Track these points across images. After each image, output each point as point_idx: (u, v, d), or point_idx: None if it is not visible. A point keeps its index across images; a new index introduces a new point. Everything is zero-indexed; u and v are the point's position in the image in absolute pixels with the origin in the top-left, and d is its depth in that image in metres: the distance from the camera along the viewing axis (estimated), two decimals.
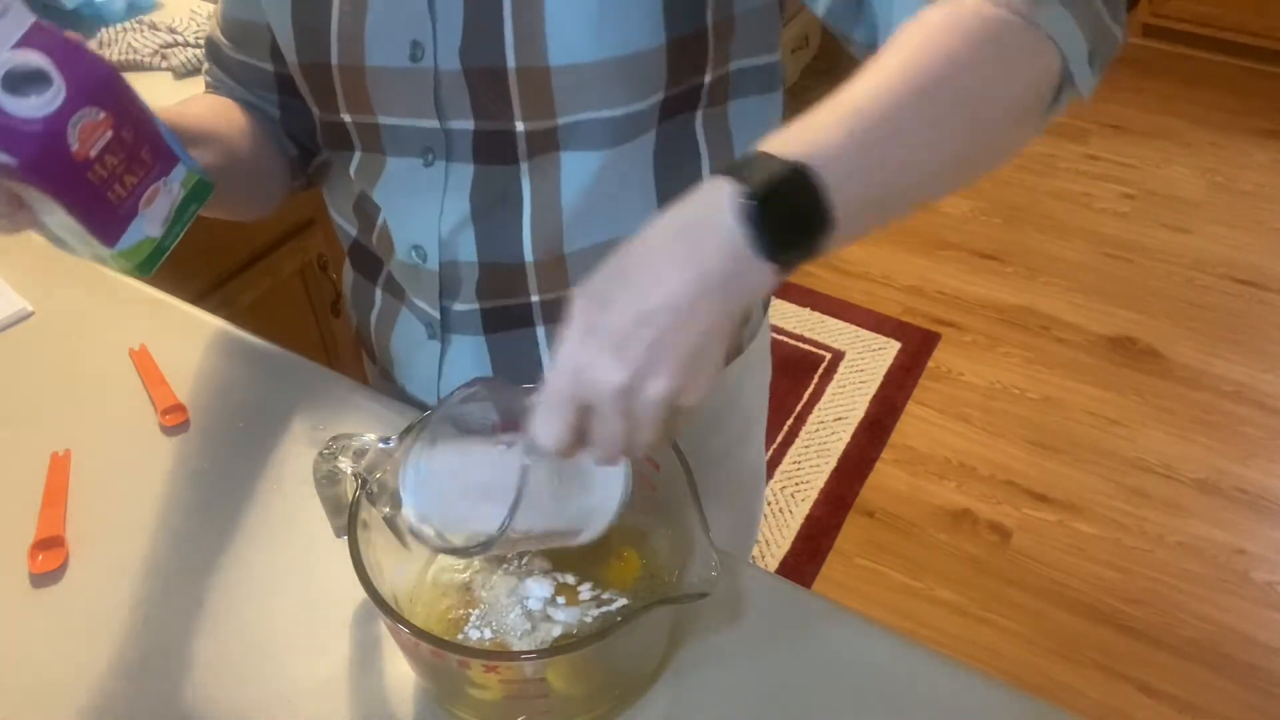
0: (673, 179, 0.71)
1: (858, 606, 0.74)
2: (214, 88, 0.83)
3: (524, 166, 0.69)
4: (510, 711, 0.57)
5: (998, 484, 1.98)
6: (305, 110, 0.77)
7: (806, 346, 2.27)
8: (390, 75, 0.68)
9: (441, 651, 0.52)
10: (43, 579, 0.68)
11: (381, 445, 0.60)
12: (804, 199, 0.45)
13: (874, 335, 2.30)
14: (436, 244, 0.74)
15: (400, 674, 0.62)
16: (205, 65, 0.83)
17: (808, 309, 2.37)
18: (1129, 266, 2.50)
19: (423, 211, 0.74)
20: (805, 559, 1.84)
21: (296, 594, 0.67)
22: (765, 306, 0.91)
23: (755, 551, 1.84)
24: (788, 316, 2.34)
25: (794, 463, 2.01)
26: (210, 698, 0.62)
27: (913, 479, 1.99)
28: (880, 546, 1.87)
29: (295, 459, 0.76)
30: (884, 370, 2.22)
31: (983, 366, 2.23)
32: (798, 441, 2.05)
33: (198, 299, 0.91)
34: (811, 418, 2.11)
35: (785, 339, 2.29)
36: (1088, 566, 1.83)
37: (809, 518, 1.91)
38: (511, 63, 0.63)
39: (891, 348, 2.27)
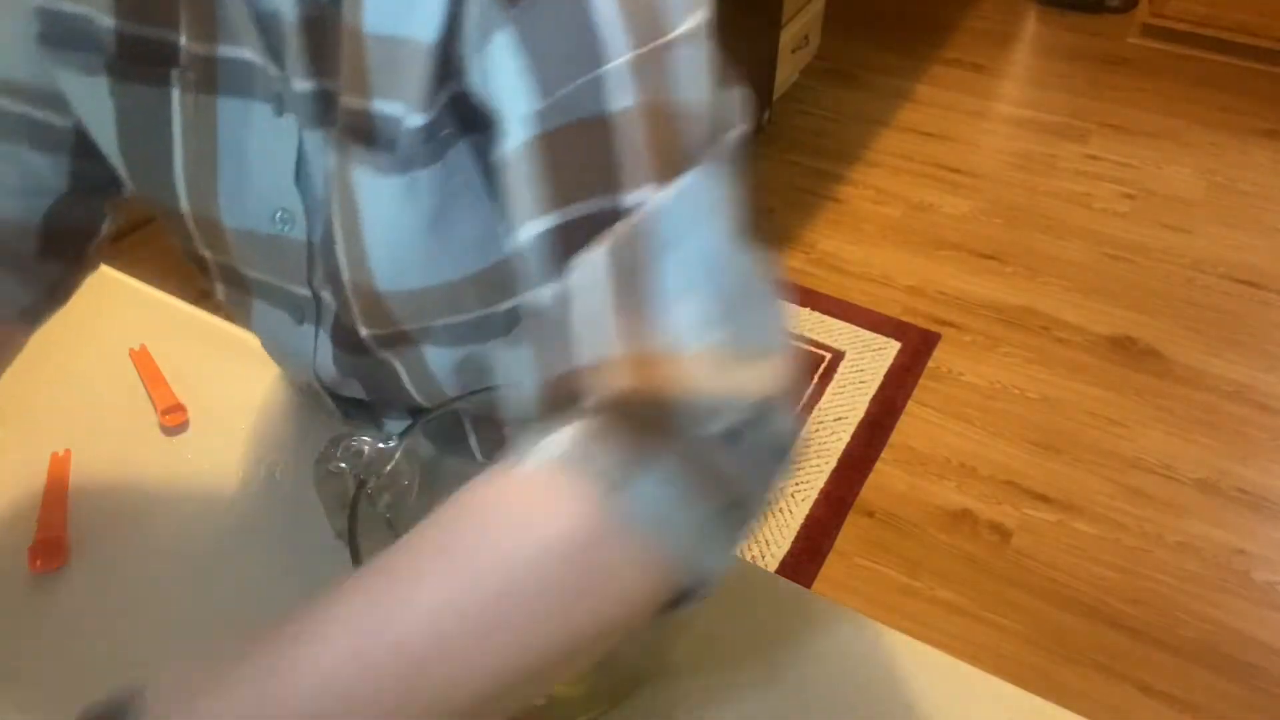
0: None
1: (858, 606, 0.74)
2: None
3: (387, 354, 0.66)
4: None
5: (998, 484, 1.98)
6: (104, 181, 0.64)
7: (806, 346, 2.27)
8: (254, 237, 0.61)
9: None
10: (43, 579, 0.68)
11: (381, 445, 0.60)
12: None
13: (874, 335, 2.30)
14: (321, 388, 0.71)
15: None
16: None
17: (808, 309, 2.37)
18: (1129, 266, 2.50)
19: (299, 362, 0.70)
20: (805, 559, 1.84)
21: (296, 594, 0.67)
22: None
23: (755, 551, 1.84)
24: None
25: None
26: None
27: (913, 479, 1.99)
28: (880, 546, 1.87)
29: (295, 459, 0.76)
30: (884, 370, 2.22)
31: (983, 366, 2.23)
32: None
33: (198, 299, 0.91)
34: (811, 418, 2.11)
35: None
36: (1088, 566, 1.83)
37: (809, 518, 1.91)
38: (345, 275, 0.59)
39: (891, 348, 2.27)
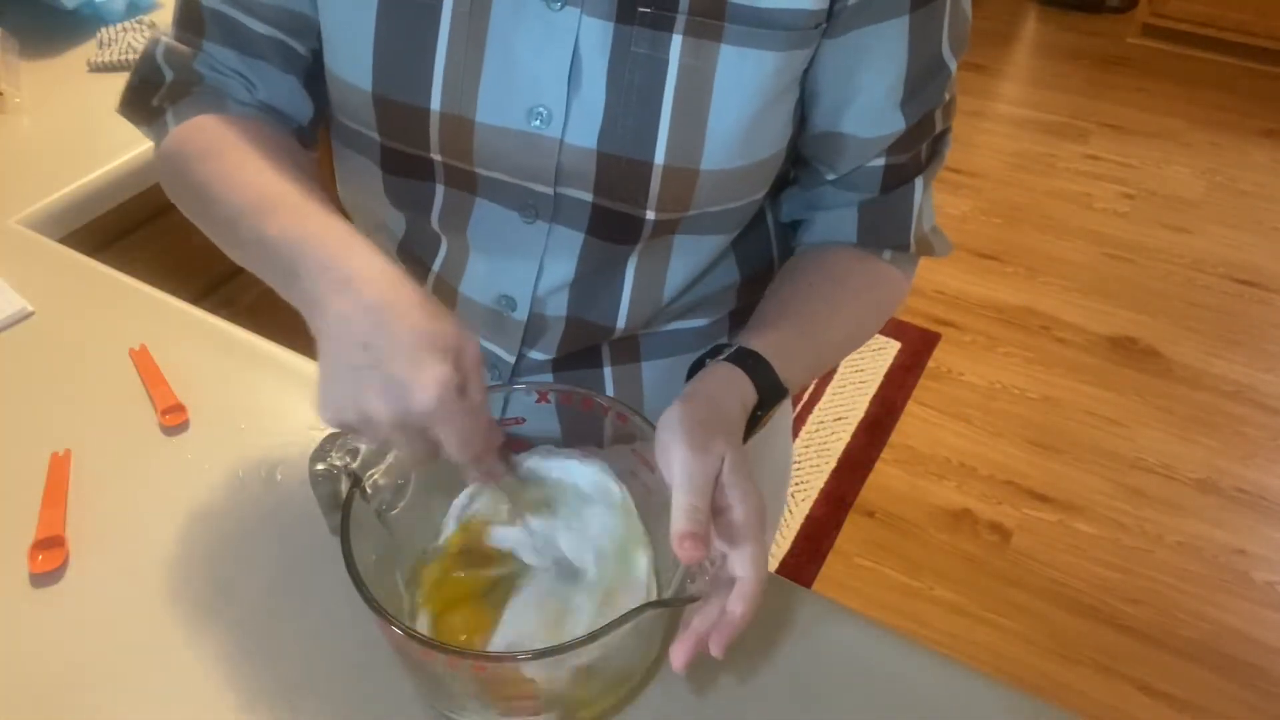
0: (745, 242, 0.75)
1: (858, 606, 0.74)
2: (189, 77, 0.68)
3: (637, 247, 0.68)
4: (505, 712, 0.58)
5: (998, 484, 1.98)
6: (313, 92, 0.69)
7: None
8: (503, 134, 0.63)
9: (431, 652, 0.52)
10: (43, 579, 0.69)
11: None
12: (774, 405, 0.64)
13: (873, 335, 2.30)
14: (530, 299, 0.71)
15: (400, 673, 0.62)
16: (167, 45, 0.70)
17: None
18: (1129, 266, 2.50)
19: (519, 265, 0.70)
20: (805, 559, 1.84)
21: (296, 593, 0.68)
22: None
23: None
24: None
25: (794, 463, 2.01)
26: (210, 698, 0.62)
27: (913, 479, 1.99)
28: (880, 546, 1.87)
29: (295, 459, 0.76)
30: (884, 370, 2.22)
31: (983, 366, 2.24)
32: (798, 441, 2.05)
33: (198, 299, 0.91)
34: (811, 418, 2.11)
35: None
36: (1088, 566, 1.83)
37: (809, 518, 1.91)
38: (660, 160, 0.61)
39: (891, 348, 2.27)
